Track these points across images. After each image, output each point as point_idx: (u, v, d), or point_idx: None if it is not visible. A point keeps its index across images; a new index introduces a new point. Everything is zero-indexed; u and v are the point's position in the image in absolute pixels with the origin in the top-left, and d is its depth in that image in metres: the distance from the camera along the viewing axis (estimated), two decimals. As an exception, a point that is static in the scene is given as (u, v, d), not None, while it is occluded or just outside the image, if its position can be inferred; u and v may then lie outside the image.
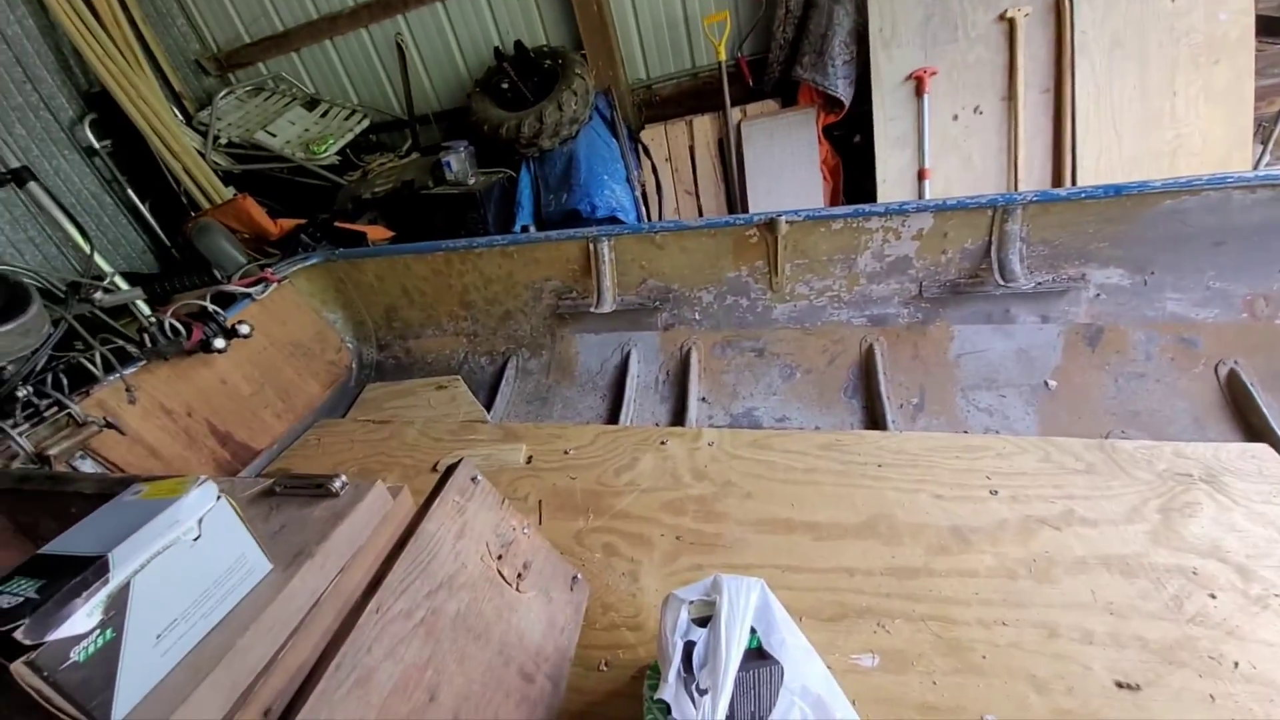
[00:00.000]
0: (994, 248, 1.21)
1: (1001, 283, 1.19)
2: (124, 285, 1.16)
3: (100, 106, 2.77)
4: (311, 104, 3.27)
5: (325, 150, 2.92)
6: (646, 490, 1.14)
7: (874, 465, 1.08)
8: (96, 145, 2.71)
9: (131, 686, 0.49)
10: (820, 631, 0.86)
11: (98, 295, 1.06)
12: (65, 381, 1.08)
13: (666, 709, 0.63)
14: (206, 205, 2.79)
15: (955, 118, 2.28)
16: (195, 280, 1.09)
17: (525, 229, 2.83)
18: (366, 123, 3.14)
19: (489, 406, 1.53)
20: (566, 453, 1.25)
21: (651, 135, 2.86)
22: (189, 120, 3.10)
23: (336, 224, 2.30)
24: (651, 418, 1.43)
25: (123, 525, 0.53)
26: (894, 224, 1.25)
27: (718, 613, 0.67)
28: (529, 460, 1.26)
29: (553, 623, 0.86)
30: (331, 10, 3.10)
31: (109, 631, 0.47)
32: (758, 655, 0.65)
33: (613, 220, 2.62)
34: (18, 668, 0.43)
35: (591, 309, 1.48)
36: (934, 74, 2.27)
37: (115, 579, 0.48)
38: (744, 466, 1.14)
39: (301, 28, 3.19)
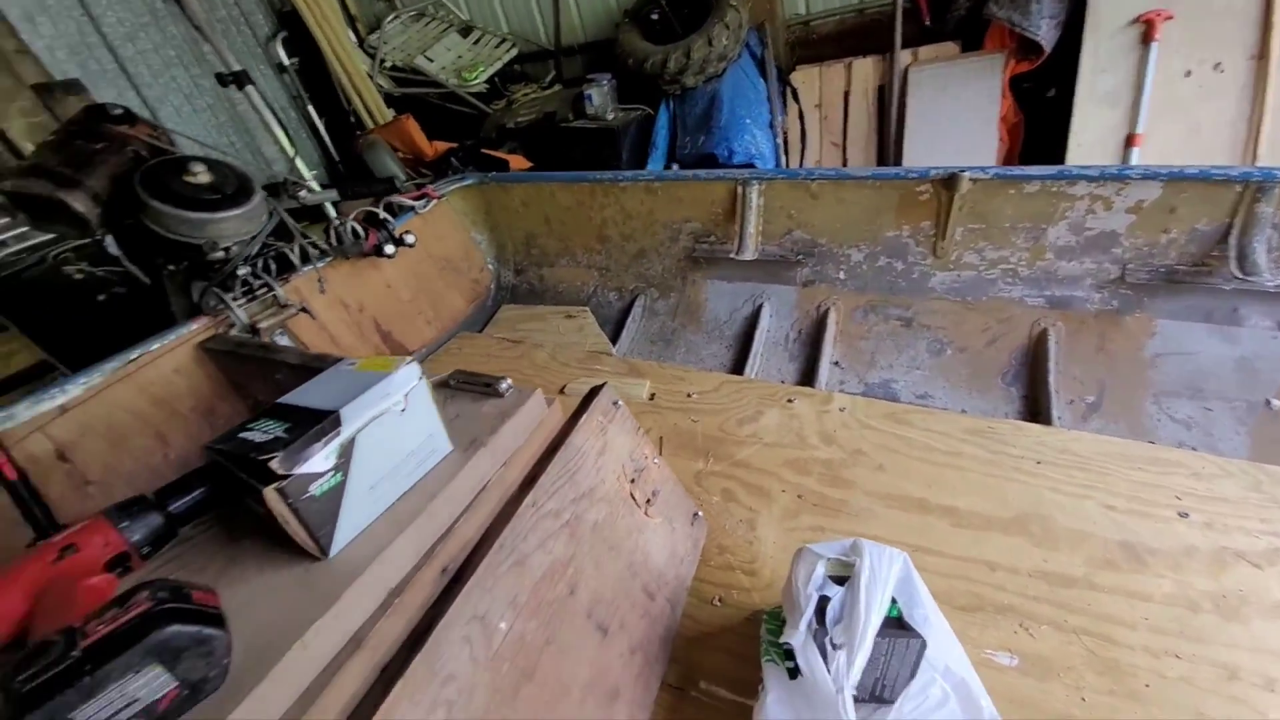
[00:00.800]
0: (1235, 232, 1.00)
1: (1238, 275, 0.99)
2: (317, 187, 1.29)
3: (290, 25, 3.04)
4: (466, 31, 3.38)
5: (475, 77, 3.02)
6: (769, 445, 1.12)
7: (1031, 461, 0.99)
8: (286, 62, 3.01)
9: (348, 526, 0.57)
10: (951, 618, 0.81)
11: (302, 193, 1.19)
12: (274, 267, 1.24)
13: (788, 654, 0.63)
14: (371, 125, 3.03)
15: (1188, 74, 1.89)
16: (374, 189, 1.19)
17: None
18: (514, 52, 3.20)
19: (613, 340, 1.57)
20: (689, 395, 1.25)
21: (803, 78, 2.66)
22: (360, 43, 3.33)
23: (482, 150, 2.40)
24: (778, 374, 1.39)
25: (345, 389, 0.60)
26: (1106, 192, 1.08)
27: (857, 574, 0.65)
28: (651, 397, 1.28)
29: (674, 551, 0.88)
30: (493, -66, 3.13)
31: (339, 475, 0.55)
32: (897, 625, 0.63)
33: (749, 168, 2.51)
34: (270, 492, 0.52)
35: (731, 255, 1.44)
36: (1168, 18, 1.88)
37: (345, 431, 0.55)
38: (877, 438, 1.08)
39: (464, -48, 3.26)
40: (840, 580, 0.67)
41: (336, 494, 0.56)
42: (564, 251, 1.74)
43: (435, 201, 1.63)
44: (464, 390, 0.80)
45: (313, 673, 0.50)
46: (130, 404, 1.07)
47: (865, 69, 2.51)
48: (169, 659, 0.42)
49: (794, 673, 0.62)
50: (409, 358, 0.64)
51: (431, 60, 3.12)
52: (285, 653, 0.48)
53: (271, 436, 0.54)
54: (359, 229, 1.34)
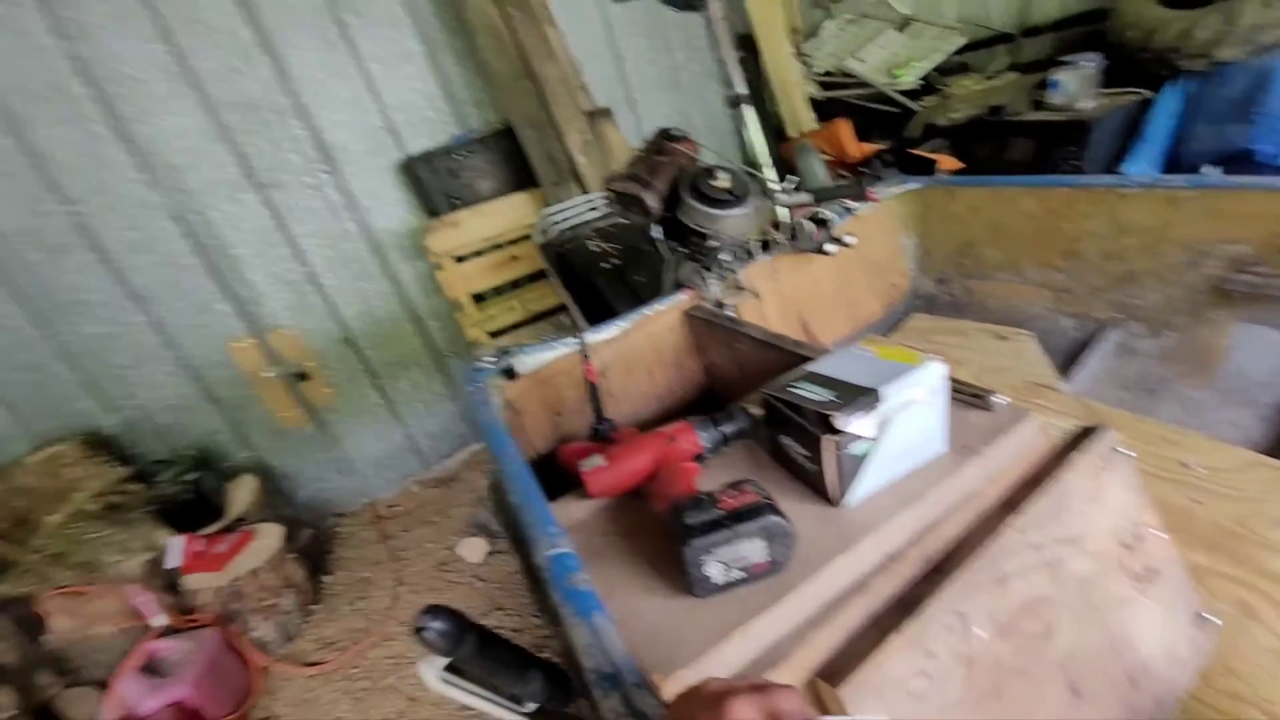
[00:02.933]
0: None
1: None
2: (792, 190, 1.48)
3: (742, 45, 3.52)
4: (904, 26, 3.29)
5: (906, 73, 2.93)
6: (1334, 565, 0.80)
7: None
8: (736, 77, 3.52)
9: (864, 487, 0.68)
10: None
11: (781, 196, 1.39)
12: (741, 255, 1.49)
13: None
14: (795, 130, 3.30)
15: None
16: (838, 192, 1.30)
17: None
18: (961, 41, 2.96)
19: (1062, 374, 1.36)
20: (1185, 465, 0.99)
21: None
22: (796, 53, 3.61)
23: (908, 150, 2.32)
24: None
25: (877, 372, 0.70)
26: None
27: None
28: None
29: (1168, 649, 0.73)
30: (962, -83, 2.92)
31: (872, 443, 0.66)
32: None
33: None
34: (828, 440, 0.65)
35: (1292, 293, 1.05)
36: None
37: (884, 407, 0.65)
38: None
39: (925, -58, 3.15)
40: None
41: (865, 458, 0.67)
42: (1008, 265, 1.57)
43: (874, 204, 1.68)
44: (953, 396, 0.83)
45: (833, 591, 0.61)
46: (639, 345, 1.47)
47: None
48: (767, 538, 0.58)
49: None
50: (931, 355, 0.70)
51: (863, 61, 3.17)
52: (822, 566, 0.60)
53: (825, 398, 0.68)
54: (808, 225, 1.49)
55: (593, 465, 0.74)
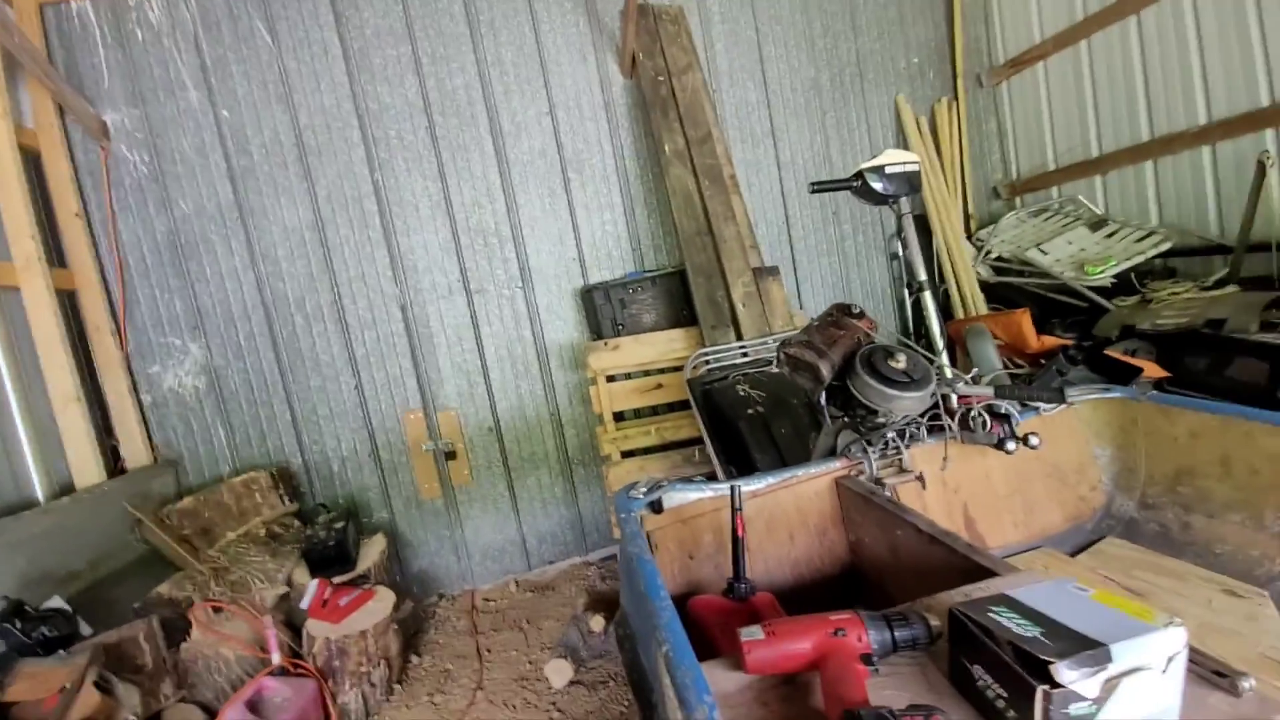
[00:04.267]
0: None
1: None
2: (968, 380, 1.44)
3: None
4: (1097, 225, 3.20)
5: (1101, 271, 2.80)
6: None
7: None
8: (900, 253, 3.62)
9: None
10: None
11: (960, 385, 1.35)
12: (909, 434, 1.43)
13: None
14: (962, 310, 3.24)
15: None
16: (1039, 395, 1.23)
17: None
18: (1166, 245, 2.80)
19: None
20: None
21: None
22: (969, 236, 3.66)
23: (1106, 352, 2.15)
24: None
25: (1099, 622, 0.61)
26: None
27: None
28: None
29: None
30: (1172, 131, 2.90)
31: (1094, 709, 0.56)
32: None
33: None
34: (1042, 692, 0.57)
35: None
36: None
37: (1113, 670, 0.57)
38: None
39: (1121, 152, 3.14)
40: None
41: None
42: (1242, 506, 1.33)
43: (1065, 407, 1.55)
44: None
45: None
46: (784, 505, 1.43)
47: None
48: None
49: None
50: (1173, 617, 0.61)
51: (1045, 253, 3.11)
52: None
53: (1032, 635, 0.61)
54: (986, 418, 1.41)
55: (752, 636, 0.71)
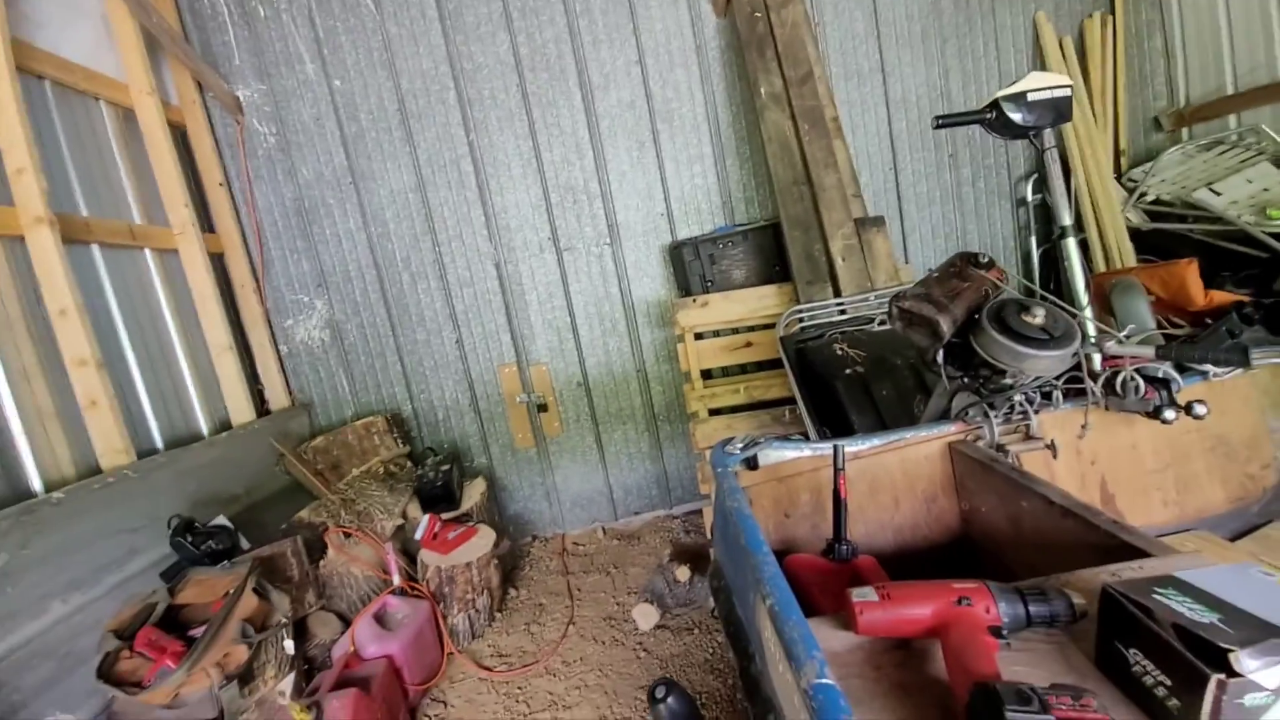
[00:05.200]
0: None
1: None
2: (1123, 339, 1.25)
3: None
4: (1288, 158, 2.65)
5: (1291, 215, 2.33)
6: None
7: None
8: (1029, 198, 3.21)
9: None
10: None
11: (1109, 344, 1.18)
12: (1036, 398, 1.29)
13: None
14: (1100, 261, 2.85)
15: None
16: (1218, 355, 1.04)
17: None
18: (1388, 182, 2.26)
19: None
20: None
21: None
22: (1118, 176, 3.16)
23: (1293, 309, 1.80)
24: None
25: (1275, 605, 0.52)
26: None
27: None
28: None
29: None
30: None
31: (1271, 699, 0.48)
32: None
33: None
34: (1217, 682, 0.50)
35: None
36: None
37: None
38: None
39: (1333, 65, 2.55)
40: None
41: (1256, 715, 0.49)
42: None
43: (1237, 372, 1.33)
44: None
45: None
46: (889, 468, 1.35)
47: None
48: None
49: None
50: None
51: (1219, 194, 2.62)
52: None
53: (1209, 621, 0.53)
54: (1141, 383, 1.23)
55: (864, 598, 0.68)
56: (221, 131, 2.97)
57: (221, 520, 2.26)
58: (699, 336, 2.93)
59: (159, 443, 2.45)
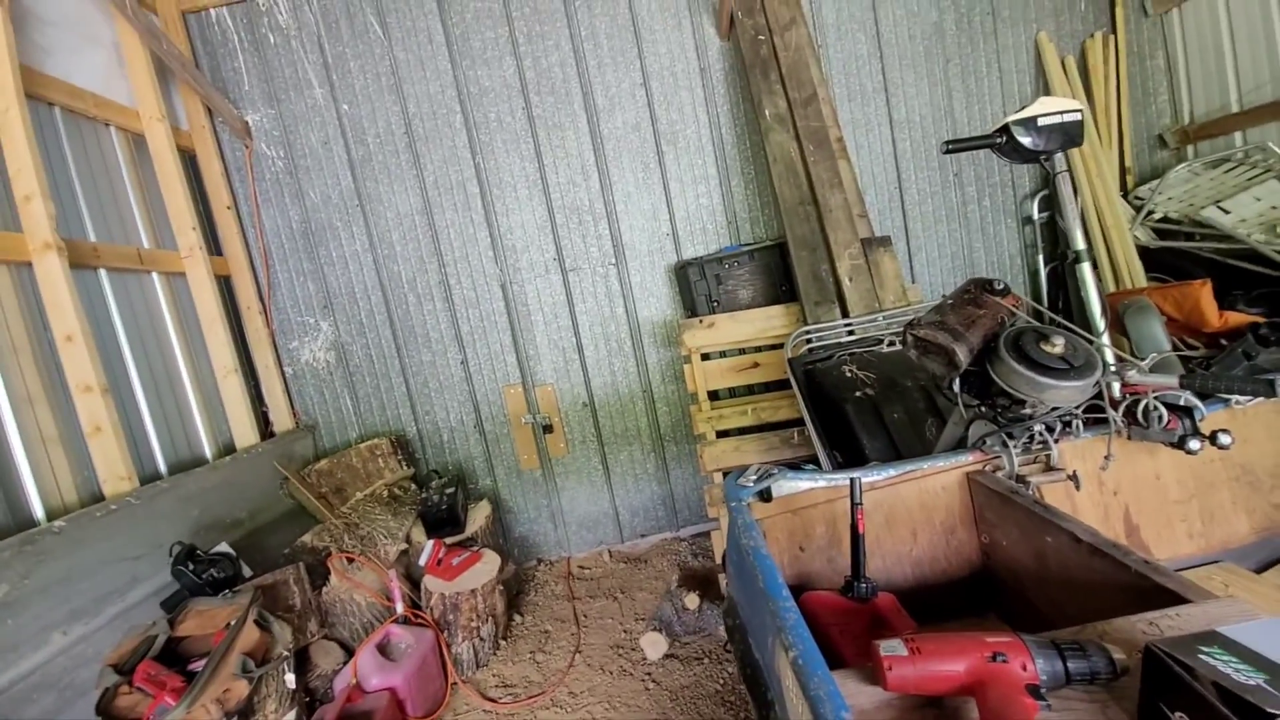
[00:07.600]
0: None
1: None
2: (1146, 369, 1.22)
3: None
4: (1297, 176, 2.64)
5: (1304, 234, 2.31)
6: None
7: None
8: (1035, 217, 3.20)
9: None
10: None
11: (1131, 374, 1.16)
12: (1056, 427, 1.26)
13: None
14: (1110, 280, 2.83)
15: None
16: (1246, 386, 1.02)
17: None
18: (1402, 201, 2.25)
19: None
20: None
21: None
22: (1124, 193, 3.16)
23: (1311, 331, 1.78)
24: None
25: None
26: None
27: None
28: None
29: None
30: None
31: None
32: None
33: None
34: None
35: None
36: None
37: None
38: None
39: (1339, 84, 2.55)
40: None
41: None
42: None
43: (1262, 400, 1.30)
44: None
45: None
46: (905, 499, 1.32)
47: None
48: None
49: None
50: None
51: (1227, 211, 2.61)
52: None
53: (1255, 683, 0.50)
54: (1163, 411, 1.20)
55: (893, 652, 0.65)
56: (230, 155, 3.00)
57: (223, 547, 2.23)
58: (705, 357, 2.91)
59: (162, 467, 2.43)
